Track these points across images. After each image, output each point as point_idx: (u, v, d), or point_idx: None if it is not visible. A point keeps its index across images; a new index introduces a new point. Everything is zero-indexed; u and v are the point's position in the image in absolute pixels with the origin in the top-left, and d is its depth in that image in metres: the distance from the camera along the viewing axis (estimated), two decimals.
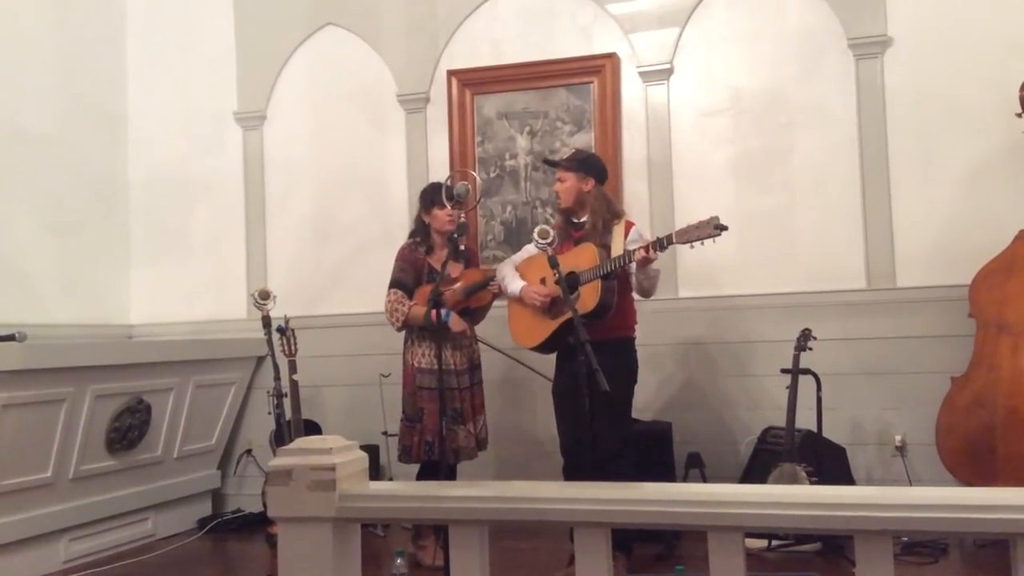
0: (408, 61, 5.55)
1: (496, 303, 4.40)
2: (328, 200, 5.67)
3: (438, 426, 4.13)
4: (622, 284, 3.93)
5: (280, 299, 4.84)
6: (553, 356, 4.16)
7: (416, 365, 4.30)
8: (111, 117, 5.88)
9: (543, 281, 4.00)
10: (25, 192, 5.20)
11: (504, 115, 5.37)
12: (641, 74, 5.17)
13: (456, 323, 4.17)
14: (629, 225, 4.03)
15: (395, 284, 4.32)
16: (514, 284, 4.10)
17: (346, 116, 5.66)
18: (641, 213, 5.09)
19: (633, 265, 3.83)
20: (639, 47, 5.17)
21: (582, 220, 4.05)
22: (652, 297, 4.09)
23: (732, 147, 5.04)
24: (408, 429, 4.30)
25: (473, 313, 4.39)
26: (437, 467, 4.21)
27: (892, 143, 4.79)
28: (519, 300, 4.07)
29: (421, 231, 4.42)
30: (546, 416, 4.23)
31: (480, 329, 4.55)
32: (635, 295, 4.07)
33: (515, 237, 5.22)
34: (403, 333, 4.38)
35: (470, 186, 4.36)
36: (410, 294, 4.29)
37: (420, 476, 4.36)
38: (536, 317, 4.00)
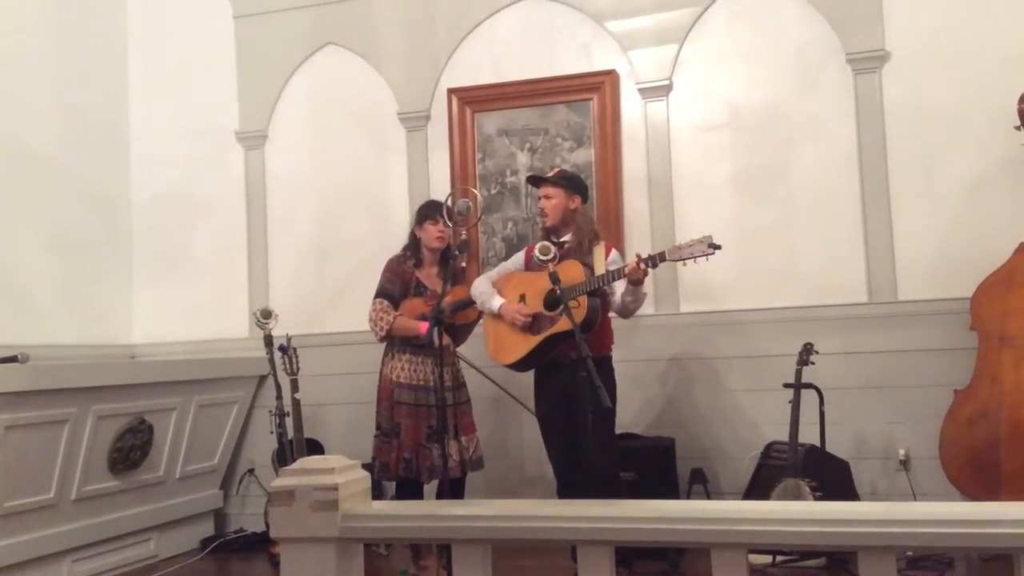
0: (408, 79, 5.58)
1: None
2: (330, 219, 5.68)
3: (415, 443, 4.18)
4: (602, 304, 3.93)
5: (282, 318, 4.84)
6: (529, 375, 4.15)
7: (395, 379, 4.28)
8: (113, 137, 5.91)
9: (522, 299, 4.00)
10: (27, 212, 5.21)
11: (504, 132, 5.39)
12: (640, 90, 5.19)
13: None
14: (609, 247, 4.06)
15: (381, 294, 4.34)
16: (493, 300, 4.08)
17: (347, 135, 5.68)
18: (642, 229, 5.11)
19: (620, 284, 3.84)
20: (638, 64, 5.20)
21: (563, 239, 4.06)
22: (631, 317, 4.08)
23: (732, 162, 5.05)
24: (384, 445, 4.26)
25: (457, 331, 4.39)
26: (415, 485, 4.24)
27: (891, 157, 4.80)
28: (497, 316, 4.06)
29: (412, 245, 4.44)
30: (536, 434, 4.21)
31: (467, 348, 4.56)
32: (612, 315, 4.07)
33: (516, 253, 5.21)
34: (382, 348, 4.38)
35: (471, 203, 4.38)
36: (396, 305, 4.30)
37: (399, 493, 4.35)
38: (515, 333, 3.98)
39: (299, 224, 5.74)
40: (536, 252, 3.81)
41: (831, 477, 4.33)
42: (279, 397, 4.71)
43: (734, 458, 4.88)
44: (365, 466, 2.21)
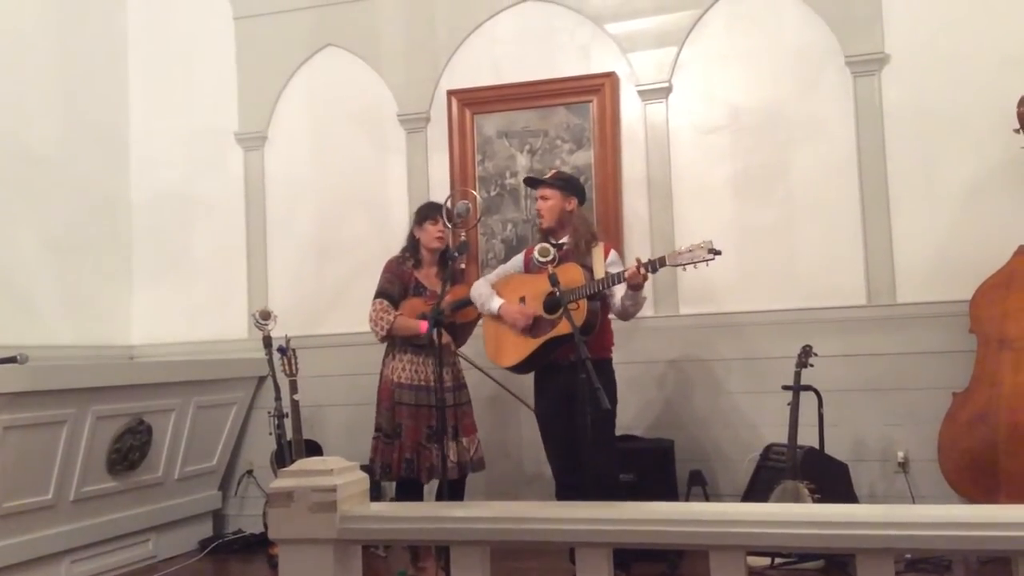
0: (408, 81, 5.58)
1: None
2: (329, 220, 5.68)
3: (416, 443, 4.18)
4: (601, 306, 3.93)
5: (281, 319, 4.84)
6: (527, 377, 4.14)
7: (396, 380, 4.28)
8: (113, 138, 5.91)
9: (522, 301, 4.00)
10: (27, 212, 5.21)
11: (504, 134, 5.39)
12: (640, 92, 5.19)
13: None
14: (608, 248, 4.06)
15: (381, 294, 4.35)
16: (492, 302, 4.08)
17: (347, 136, 5.68)
18: (641, 231, 5.11)
19: (620, 287, 3.84)
20: (638, 66, 5.20)
21: (561, 241, 4.06)
22: (631, 319, 4.08)
23: (731, 164, 5.05)
24: (386, 446, 4.26)
25: (457, 331, 4.39)
26: (415, 485, 4.25)
27: (891, 159, 4.80)
28: (497, 318, 4.05)
29: (411, 246, 4.44)
30: (536, 434, 4.22)
31: (467, 347, 4.57)
32: (611, 317, 4.07)
33: (515, 254, 5.21)
34: (381, 350, 4.39)
35: (471, 205, 4.38)
36: (395, 305, 4.31)
37: (399, 494, 4.35)
38: (514, 335, 3.98)
39: (299, 225, 5.74)
40: (535, 254, 3.81)
41: (830, 479, 4.33)
42: (278, 398, 4.71)
43: (733, 460, 4.88)
44: (363, 467, 2.21)
